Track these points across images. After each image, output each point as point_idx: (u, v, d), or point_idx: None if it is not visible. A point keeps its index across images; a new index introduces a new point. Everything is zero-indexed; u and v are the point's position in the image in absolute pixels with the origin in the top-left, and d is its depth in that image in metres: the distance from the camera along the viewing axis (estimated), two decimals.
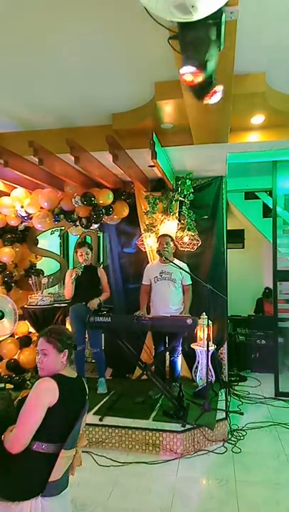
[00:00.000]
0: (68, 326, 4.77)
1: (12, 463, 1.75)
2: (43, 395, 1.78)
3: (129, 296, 4.79)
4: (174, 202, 4.53)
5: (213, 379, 4.34)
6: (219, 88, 1.96)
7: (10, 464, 1.75)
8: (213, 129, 3.14)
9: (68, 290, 4.31)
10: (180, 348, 4.18)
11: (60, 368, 1.92)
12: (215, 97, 2.00)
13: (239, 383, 5.06)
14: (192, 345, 4.39)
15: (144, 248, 4.70)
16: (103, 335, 4.56)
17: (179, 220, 4.60)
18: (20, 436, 1.73)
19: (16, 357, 4.80)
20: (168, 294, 4.10)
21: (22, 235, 5.33)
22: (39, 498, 1.74)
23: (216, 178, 4.69)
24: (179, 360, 4.19)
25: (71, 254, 6.38)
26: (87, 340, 4.41)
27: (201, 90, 1.93)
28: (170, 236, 4.23)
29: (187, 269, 4.07)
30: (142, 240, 4.71)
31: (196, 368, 4.40)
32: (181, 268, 4.04)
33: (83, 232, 5.62)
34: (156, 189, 4.59)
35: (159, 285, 4.15)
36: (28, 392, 1.84)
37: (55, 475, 1.78)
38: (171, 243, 4.16)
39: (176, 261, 4.11)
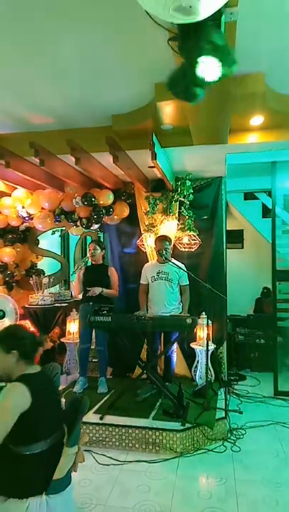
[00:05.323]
0: (69, 326, 4.79)
1: (12, 468, 1.75)
2: (14, 402, 1.73)
3: (130, 296, 4.80)
4: (173, 202, 4.55)
5: (213, 378, 4.36)
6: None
7: (11, 467, 1.76)
8: (213, 130, 3.15)
9: (73, 288, 4.33)
10: (175, 345, 4.20)
11: (19, 368, 1.88)
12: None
13: (238, 382, 5.08)
14: (192, 345, 4.41)
15: (145, 248, 4.72)
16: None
17: (179, 220, 4.63)
18: None
19: None
20: (164, 294, 4.12)
21: (23, 235, 5.35)
22: (44, 495, 1.75)
23: (216, 179, 4.70)
24: (174, 357, 4.23)
25: (72, 254, 6.40)
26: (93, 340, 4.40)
27: (181, 90, 1.87)
28: (169, 238, 4.25)
29: (185, 269, 4.09)
30: (142, 240, 4.73)
31: (196, 367, 4.41)
32: (179, 267, 4.07)
33: (84, 233, 5.64)
34: (156, 190, 4.60)
35: (156, 285, 4.17)
36: None
37: (60, 473, 1.79)
38: (170, 245, 4.20)
39: (174, 261, 4.12)
